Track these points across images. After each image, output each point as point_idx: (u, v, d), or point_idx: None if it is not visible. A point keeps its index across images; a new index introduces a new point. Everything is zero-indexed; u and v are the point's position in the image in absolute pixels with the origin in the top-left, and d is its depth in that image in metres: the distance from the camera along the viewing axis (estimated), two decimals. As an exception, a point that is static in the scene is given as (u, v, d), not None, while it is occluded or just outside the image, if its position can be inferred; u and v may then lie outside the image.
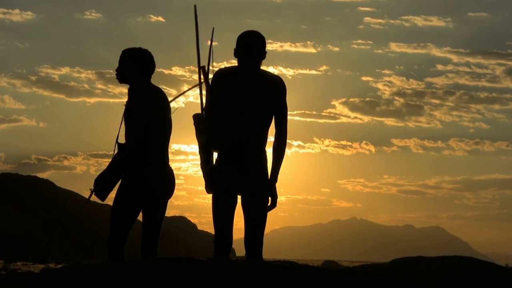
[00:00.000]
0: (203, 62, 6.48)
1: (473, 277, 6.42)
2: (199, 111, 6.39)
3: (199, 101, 6.45)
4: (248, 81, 6.22)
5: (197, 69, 6.51)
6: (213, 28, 6.53)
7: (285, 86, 6.33)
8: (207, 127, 6.26)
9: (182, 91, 6.75)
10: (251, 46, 6.21)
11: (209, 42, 6.43)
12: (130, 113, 6.35)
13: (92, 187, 6.38)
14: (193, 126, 6.34)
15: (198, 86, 6.52)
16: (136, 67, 6.44)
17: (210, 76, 6.39)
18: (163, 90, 6.55)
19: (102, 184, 6.36)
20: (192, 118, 6.35)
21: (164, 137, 6.45)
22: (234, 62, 6.33)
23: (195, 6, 6.56)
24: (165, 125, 6.45)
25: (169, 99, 6.63)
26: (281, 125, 6.32)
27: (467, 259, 6.92)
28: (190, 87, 6.67)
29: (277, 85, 6.29)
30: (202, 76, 6.46)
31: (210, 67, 6.44)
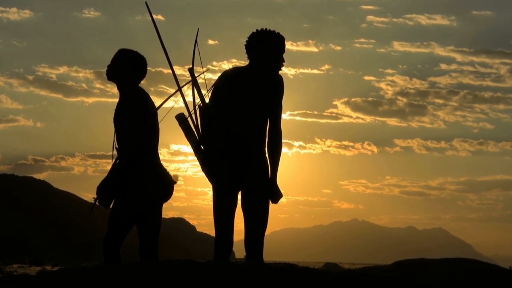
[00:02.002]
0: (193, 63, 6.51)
1: (476, 280, 6.41)
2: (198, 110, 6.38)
3: (199, 101, 6.43)
4: (252, 82, 6.22)
5: (181, 67, 6.56)
6: (198, 29, 6.55)
7: (283, 84, 6.34)
8: (188, 125, 6.30)
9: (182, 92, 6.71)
10: (252, 46, 6.24)
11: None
12: (123, 118, 6.35)
13: (95, 196, 6.37)
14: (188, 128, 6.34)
15: (185, 87, 6.55)
16: (129, 68, 6.42)
17: (196, 75, 6.44)
18: (160, 89, 6.54)
19: (106, 192, 6.34)
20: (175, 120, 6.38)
21: (155, 141, 6.45)
22: (234, 61, 6.33)
23: (146, 3, 6.59)
24: (156, 128, 6.44)
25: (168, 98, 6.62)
26: (277, 123, 6.31)
27: (470, 262, 6.89)
28: (178, 89, 6.65)
29: (277, 83, 6.30)
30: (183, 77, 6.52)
31: (199, 68, 6.49)
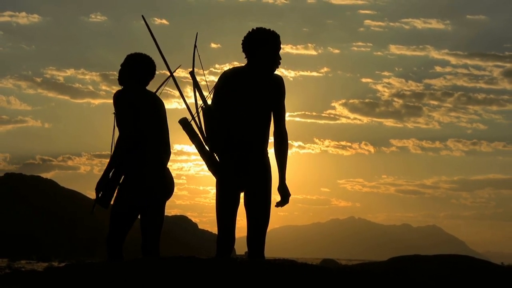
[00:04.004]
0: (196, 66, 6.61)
1: (469, 275, 6.45)
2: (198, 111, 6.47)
3: (200, 102, 6.49)
4: (251, 82, 6.26)
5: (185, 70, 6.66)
6: (197, 33, 6.59)
7: (284, 85, 6.36)
8: (191, 128, 6.35)
9: (184, 94, 6.80)
10: (249, 45, 6.27)
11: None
12: (119, 119, 6.38)
13: (95, 197, 6.43)
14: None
15: (187, 89, 6.64)
16: (128, 70, 6.51)
17: (198, 78, 6.52)
18: (163, 90, 6.63)
19: (103, 191, 6.41)
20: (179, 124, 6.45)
21: (159, 140, 6.48)
22: (236, 64, 6.37)
23: (143, 16, 6.73)
24: (159, 127, 6.49)
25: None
26: (281, 125, 6.34)
27: (463, 258, 6.94)
28: (170, 75, 6.73)
29: (278, 84, 6.31)
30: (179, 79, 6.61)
31: (201, 71, 6.56)
